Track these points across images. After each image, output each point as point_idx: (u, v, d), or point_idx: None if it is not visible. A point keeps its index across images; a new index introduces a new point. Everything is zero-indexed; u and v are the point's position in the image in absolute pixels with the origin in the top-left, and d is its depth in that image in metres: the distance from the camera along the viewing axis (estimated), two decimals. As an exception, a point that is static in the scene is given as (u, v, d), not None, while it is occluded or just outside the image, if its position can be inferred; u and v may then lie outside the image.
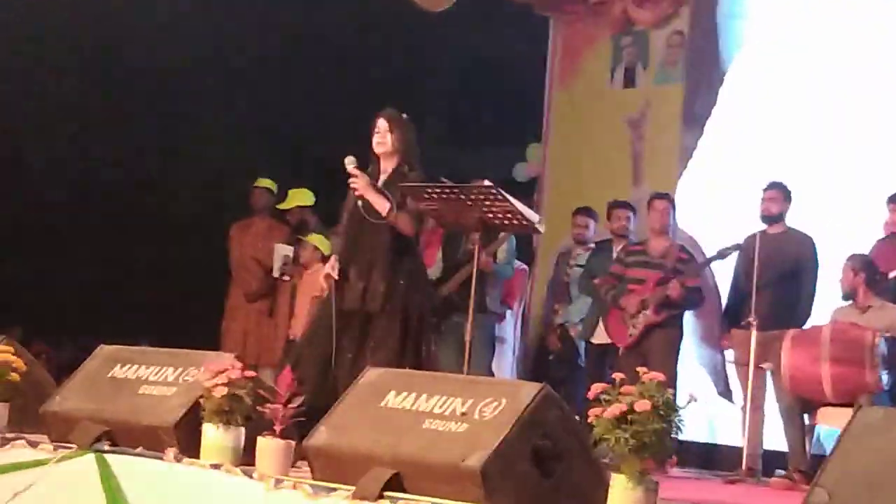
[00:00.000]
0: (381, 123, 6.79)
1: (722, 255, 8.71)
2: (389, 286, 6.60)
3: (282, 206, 10.36)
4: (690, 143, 10.86)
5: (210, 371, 5.23)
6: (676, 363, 8.65)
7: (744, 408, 8.52)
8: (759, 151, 10.31)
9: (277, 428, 5.01)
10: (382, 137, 6.78)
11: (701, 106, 10.85)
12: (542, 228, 6.97)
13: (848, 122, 9.93)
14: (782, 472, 8.09)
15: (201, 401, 5.22)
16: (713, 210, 10.33)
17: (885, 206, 8.68)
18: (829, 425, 7.88)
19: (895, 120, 9.71)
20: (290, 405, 5.04)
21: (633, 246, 9.20)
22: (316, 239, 9.90)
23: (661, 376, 4.27)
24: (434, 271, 10.09)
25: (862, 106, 9.89)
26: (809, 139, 10.09)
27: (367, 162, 6.85)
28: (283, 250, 10.09)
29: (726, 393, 9.69)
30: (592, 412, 4.29)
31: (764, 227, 8.55)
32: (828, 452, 4.18)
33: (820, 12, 10.30)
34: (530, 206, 7.82)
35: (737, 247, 8.59)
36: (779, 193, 8.56)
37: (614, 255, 9.35)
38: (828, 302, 8.38)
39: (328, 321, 6.58)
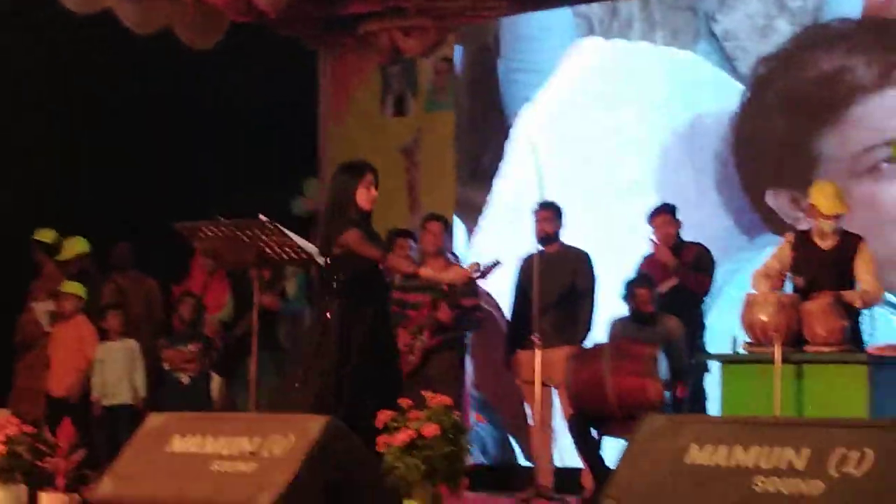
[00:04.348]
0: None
1: (483, 274, 8.80)
2: None
3: (60, 258, 10.14)
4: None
5: (-15, 429, 5.06)
6: (461, 386, 8.61)
7: (533, 427, 8.60)
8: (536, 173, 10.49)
9: (59, 482, 4.87)
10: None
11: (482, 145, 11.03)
12: (321, 260, 6.91)
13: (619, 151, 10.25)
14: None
15: (-22, 461, 5.04)
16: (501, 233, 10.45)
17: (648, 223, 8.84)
18: (615, 437, 8.00)
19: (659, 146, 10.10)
20: (70, 457, 4.91)
21: (410, 270, 9.15)
22: (75, 287, 9.70)
23: (447, 400, 4.27)
24: (225, 313, 9.94)
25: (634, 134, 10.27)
26: (585, 161, 10.33)
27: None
28: (44, 307, 9.89)
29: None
30: (382, 440, 4.26)
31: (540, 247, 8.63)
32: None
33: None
34: (309, 241, 7.77)
35: (496, 264, 8.69)
36: (550, 213, 8.65)
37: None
38: (608, 316, 8.52)
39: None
